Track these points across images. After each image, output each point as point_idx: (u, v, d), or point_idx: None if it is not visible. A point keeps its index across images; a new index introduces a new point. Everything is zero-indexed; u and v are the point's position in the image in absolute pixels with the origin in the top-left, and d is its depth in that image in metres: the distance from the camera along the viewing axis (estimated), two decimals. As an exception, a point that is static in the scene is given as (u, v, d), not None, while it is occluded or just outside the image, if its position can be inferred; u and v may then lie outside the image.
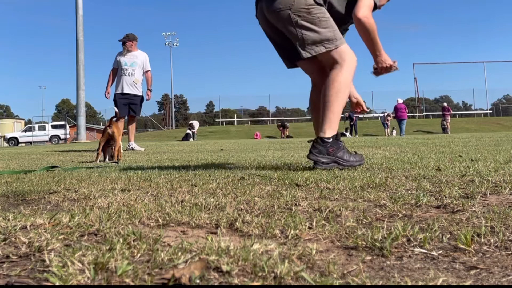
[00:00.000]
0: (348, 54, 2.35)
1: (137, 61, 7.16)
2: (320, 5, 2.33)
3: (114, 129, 4.18)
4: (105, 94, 7.17)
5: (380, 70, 2.49)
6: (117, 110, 5.18)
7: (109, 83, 7.19)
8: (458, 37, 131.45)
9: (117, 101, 6.98)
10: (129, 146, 7.03)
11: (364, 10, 2.32)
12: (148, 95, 7.31)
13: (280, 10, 2.32)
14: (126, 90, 7.03)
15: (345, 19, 2.47)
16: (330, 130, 2.27)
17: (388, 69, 2.45)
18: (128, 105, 7.01)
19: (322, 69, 2.47)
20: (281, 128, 25.61)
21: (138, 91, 7.15)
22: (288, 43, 2.44)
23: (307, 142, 2.46)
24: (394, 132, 21.87)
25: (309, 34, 2.28)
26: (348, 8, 2.42)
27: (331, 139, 2.26)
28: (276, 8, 2.33)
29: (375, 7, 2.42)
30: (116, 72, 7.13)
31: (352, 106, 2.82)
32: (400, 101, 20.84)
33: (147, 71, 7.26)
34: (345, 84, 2.32)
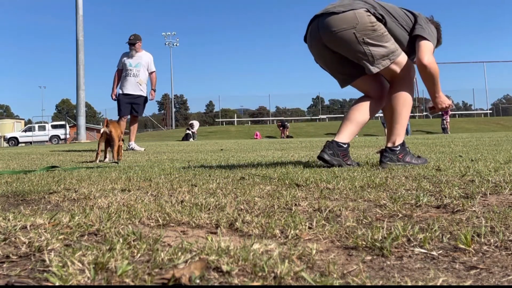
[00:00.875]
0: (407, 63, 2.44)
1: (141, 62, 7.12)
2: (380, 20, 2.41)
3: (112, 129, 4.15)
4: (111, 95, 7.10)
5: (437, 110, 2.59)
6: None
7: (115, 84, 7.12)
8: (458, 37, 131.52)
9: (120, 101, 6.95)
10: (129, 146, 7.00)
11: (428, 56, 2.39)
12: (152, 95, 7.28)
13: (344, 30, 2.36)
14: (129, 91, 6.97)
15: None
16: (398, 139, 2.46)
17: (445, 108, 2.56)
18: (130, 104, 6.95)
19: (380, 83, 2.57)
20: (281, 128, 25.60)
21: (142, 92, 7.10)
22: (343, 64, 2.52)
23: (376, 153, 2.66)
24: None
25: (377, 50, 2.36)
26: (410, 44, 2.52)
27: (399, 147, 2.44)
28: (340, 29, 2.37)
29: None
30: (121, 73, 7.09)
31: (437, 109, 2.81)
32: None
33: (151, 72, 7.23)
34: (409, 94, 2.47)
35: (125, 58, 7.10)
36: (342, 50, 2.44)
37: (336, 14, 2.38)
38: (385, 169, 2.26)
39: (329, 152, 2.42)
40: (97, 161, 4.05)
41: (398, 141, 2.44)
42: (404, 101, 2.45)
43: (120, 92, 7.02)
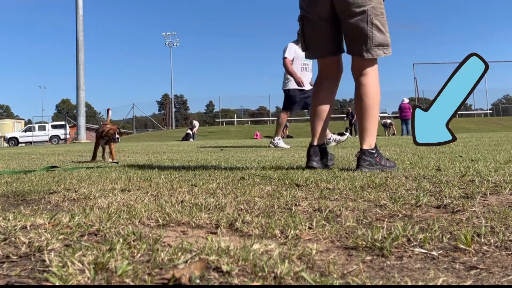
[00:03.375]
0: (376, 66, 2.37)
1: None
2: None
3: (110, 129, 4.04)
4: (299, 82, 6.30)
5: None
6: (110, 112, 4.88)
7: (294, 71, 6.30)
8: (458, 37, 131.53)
9: (295, 97, 6.39)
10: (273, 143, 6.42)
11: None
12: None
13: (359, 3, 2.22)
14: (304, 87, 6.38)
15: None
16: (373, 140, 2.30)
17: None
18: (304, 100, 6.40)
19: (339, 68, 2.47)
20: None
21: (310, 86, 6.42)
22: (333, 35, 2.38)
23: (355, 156, 2.50)
24: (394, 136, 21.80)
25: (378, 36, 2.24)
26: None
27: (375, 149, 2.29)
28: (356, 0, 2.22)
29: None
30: (291, 63, 6.35)
31: None
32: (406, 100, 20.81)
33: None
34: (379, 93, 2.36)
35: (297, 49, 6.31)
36: (349, 24, 2.26)
37: None
38: (366, 172, 2.14)
39: (316, 159, 2.37)
40: (95, 162, 4.02)
41: (373, 143, 2.31)
42: (377, 102, 2.33)
43: (294, 87, 6.40)
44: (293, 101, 6.44)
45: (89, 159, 4.39)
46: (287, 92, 6.51)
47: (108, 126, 4.08)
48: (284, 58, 6.40)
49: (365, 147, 2.27)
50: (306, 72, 6.50)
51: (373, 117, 2.31)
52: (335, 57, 2.43)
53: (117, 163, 3.70)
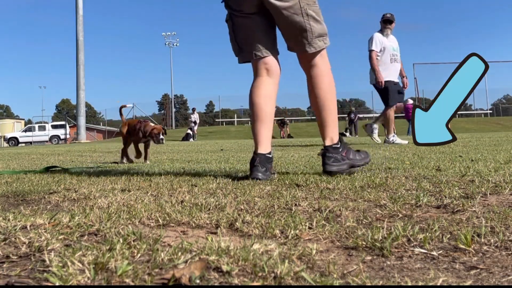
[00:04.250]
0: (325, 54, 2.18)
1: (398, 46, 6.14)
2: None
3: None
4: (379, 82, 5.96)
5: None
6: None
7: (378, 67, 5.96)
8: (458, 37, 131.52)
9: (391, 89, 5.96)
10: (389, 140, 6.01)
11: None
12: (406, 84, 6.34)
13: None
14: (395, 78, 6.02)
15: None
16: (334, 133, 2.12)
17: None
18: (397, 90, 6.04)
19: (277, 68, 2.22)
20: (281, 126, 25.51)
21: (400, 80, 6.21)
22: (267, 33, 2.17)
23: (318, 155, 2.28)
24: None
25: (316, 26, 2.08)
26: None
27: (339, 144, 2.10)
28: None
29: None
30: (378, 56, 6.02)
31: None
32: (410, 101, 20.83)
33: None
34: (333, 85, 2.16)
35: (383, 40, 6.02)
36: (283, 19, 2.08)
37: None
38: (332, 172, 2.00)
39: (263, 169, 2.02)
40: (125, 161, 3.75)
41: (336, 137, 2.12)
42: (332, 93, 2.14)
43: (388, 78, 6.00)
44: (392, 92, 6.00)
45: (111, 159, 4.37)
46: (383, 86, 6.03)
47: (152, 125, 3.72)
48: (371, 51, 6.04)
49: (327, 143, 2.09)
50: (395, 63, 6.14)
51: (329, 110, 2.12)
52: (272, 56, 2.19)
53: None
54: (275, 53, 2.22)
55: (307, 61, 2.16)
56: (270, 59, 2.19)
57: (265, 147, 2.09)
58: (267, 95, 2.17)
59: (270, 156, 2.09)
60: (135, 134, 3.71)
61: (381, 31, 6.12)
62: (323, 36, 2.11)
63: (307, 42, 2.09)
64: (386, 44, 6.02)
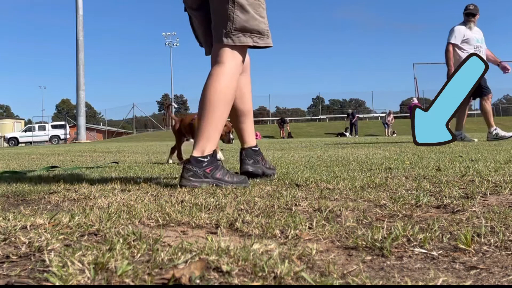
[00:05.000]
0: (241, 59, 1.89)
1: (483, 37, 5.92)
2: None
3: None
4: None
5: None
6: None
7: (451, 62, 5.79)
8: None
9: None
10: (492, 133, 5.82)
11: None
12: (507, 67, 6.08)
13: None
14: None
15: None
16: (209, 146, 1.80)
17: None
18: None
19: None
20: (281, 126, 25.50)
21: None
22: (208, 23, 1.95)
23: (178, 165, 2.08)
24: (395, 135, 21.84)
25: (241, 17, 1.80)
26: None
27: (208, 158, 1.77)
28: None
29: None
30: (458, 48, 5.83)
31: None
32: (415, 100, 20.86)
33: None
34: (232, 91, 1.84)
35: (466, 32, 5.83)
36: (212, 3, 1.88)
37: None
38: (186, 187, 1.71)
39: (250, 161, 1.98)
40: (171, 161, 3.56)
41: (209, 149, 1.79)
42: (221, 100, 1.80)
43: None
44: (483, 82, 5.76)
45: (111, 159, 4.38)
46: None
47: None
48: (448, 43, 5.87)
49: (195, 153, 1.78)
50: (481, 54, 5.97)
51: (212, 117, 1.80)
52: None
53: (117, 163, 3.70)
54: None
55: (216, 55, 1.87)
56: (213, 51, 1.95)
57: (249, 141, 2.02)
58: (243, 89, 2.02)
59: (257, 149, 2.03)
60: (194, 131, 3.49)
61: (464, 23, 5.94)
62: (252, 33, 1.83)
63: (224, 32, 1.82)
64: (470, 36, 5.83)
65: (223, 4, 1.80)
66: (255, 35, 1.84)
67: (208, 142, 1.79)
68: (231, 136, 3.27)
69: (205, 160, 1.77)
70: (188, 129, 3.39)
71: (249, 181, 1.84)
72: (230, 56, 1.83)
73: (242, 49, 1.87)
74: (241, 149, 2.07)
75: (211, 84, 1.81)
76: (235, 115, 2.05)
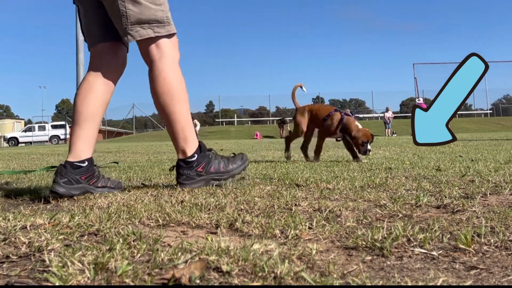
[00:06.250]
0: (172, 47, 1.78)
1: None
2: None
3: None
4: None
5: None
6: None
7: None
8: (458, 37, 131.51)
9: None
10: None
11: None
12: None
13: None
14: None
15: None
16: (189, 144, 1.73)
17: None
18: None
19: (116, 60, 1.83)
20: (281, 126, 25.48)
21: None
22: (102, 19, 1.81)
23: (169, 170, 1.97)
24: (395, 135, 21.81)
25: (133, 10, 1.69)
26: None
27: (195, 156, 1.73)
28: None
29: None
30: None
31: None
32: (421, 100, 20.84)
33: None
34: (178, 82, 1.74)
35: None
36: (105, 2, 1.73)
37: None
38: (185, 189, 1.67)
39: (62, 181, 1.57)
40: (289, 157, 3.32)
41: (191, 148, 1.73)
42: (173, 96, 1.72)
43: None
44: None
45: (111, 159, 4.36)
46: None
47: (358, 125, 3.03)
48: None
49: (180, 156, 1.74)
50: None
51: (176, 118, 1.72)
52: (106, 43, 1.80)
53: (117, 163, 3.70)
54: (109, 40, 1.81)
55: (144, 56, 1.78)
56: (103, 47, 1.82)
57: (75, 155, 1.65)
58: (99, 91, 1.76)
59: (83, 166, 1.63)
60: (326, 127, 3.06)
61: None
62: (150, 24, 1.71)
63: (123, 29, 1.71)
64: None
65: (114, 1, 1.70)
66: (154, 25, 1.73)
67: (185, 143, 1.73)
68: (369, 147, 2.94)
69: (193, 159, 1.72)
70: (317, 120, 3.12)
71: (247, 157, 1.85)
72: (156, 53, 1.74)
73: (164, 40, 1.75)
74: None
75: (154, 89, 1.73)
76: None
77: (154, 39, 1.73)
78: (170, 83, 1.72)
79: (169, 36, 1.75)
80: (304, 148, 3.25)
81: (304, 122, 3.18)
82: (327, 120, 3.10)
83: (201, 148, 1.76)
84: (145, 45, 1.74)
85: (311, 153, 3.23)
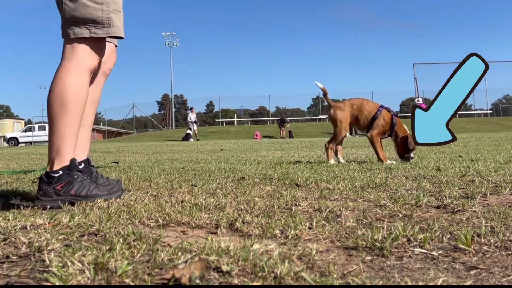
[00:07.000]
0: (89, 53, 1.60)
1: None
2: None
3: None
4: None
5: None
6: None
7: None
8: (458, 37, 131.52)
9: None
10: None
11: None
12: None
13: None
14: None
15: None
16: (60, 159, 1.53)
17: None
18: None
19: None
20: (281, 125, 25.47)
21: None
22: None
23: (32, 182, 1.77)
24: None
25: (70, 6, 1.57)
26: None
27: (60, 172, 1.51)
28: None
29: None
30: None
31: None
32: (421, 100, 20.84)
33: None
34: (73, 93, 1.55)
35: None
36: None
37: None
38: (41, 206, 1.47)
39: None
40: (331, 161, 2.94)
41: (59, 163, 1.52)
42: (59, 106, 1.54)
43: None
44: None
45: (111, 159, 4.36)
46: None
47: (411, 135, 2.53)
48: None
49: (47, 168, 1.55)
50: None
51: (53, 126, 1.55)
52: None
53: (117, 163, 3.70)
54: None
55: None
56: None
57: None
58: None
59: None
60: (380, 126, 2.83)
61: None
62: (86, 23, 1.57)
63: (62, 25, 1.61)
64: None
65: None
66: (90, 25, 1.58)
67: (56, 155, 1.53)
68: (412, 155, 2.79)
69: (55, 175, 1.51)
70: (361, 115, 2.87)
71: (122, 188, 1.62)
72: (66, 56, 1.60)
73: (85, 42, 1.59)
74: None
75: (51, 88, 1.58)
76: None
77: (87, 40, 1.58)
78: (62, 95, 1.55)
79: (98, 39, 1.60)
80: (333, 145, 2.96)
81: (346, 119, 2.92)
82: (379, 118, 2.86)
83: (70, 166, 1.53)
84: (67, 42, 1.59)
85: (339, 154, 3.02)
